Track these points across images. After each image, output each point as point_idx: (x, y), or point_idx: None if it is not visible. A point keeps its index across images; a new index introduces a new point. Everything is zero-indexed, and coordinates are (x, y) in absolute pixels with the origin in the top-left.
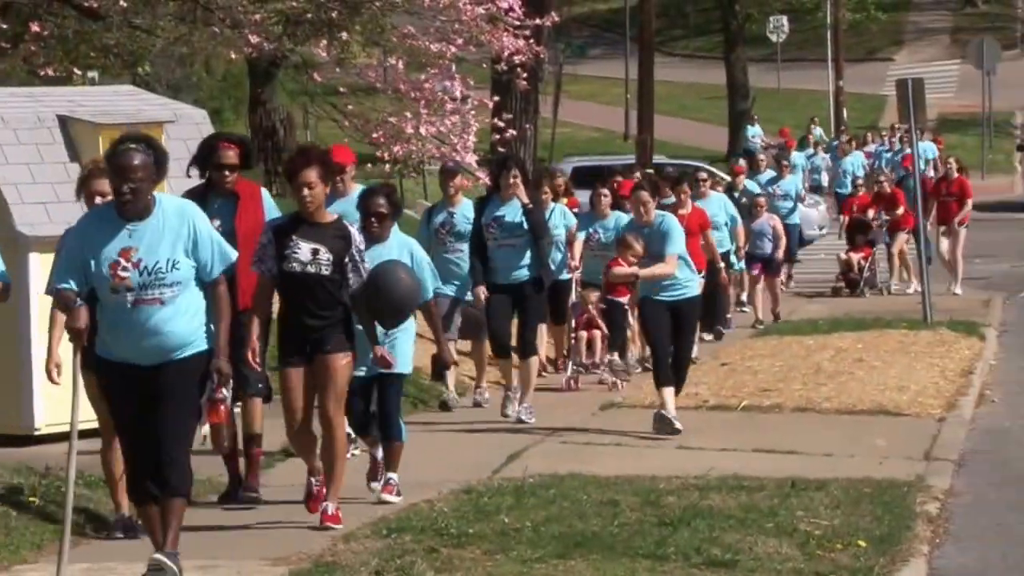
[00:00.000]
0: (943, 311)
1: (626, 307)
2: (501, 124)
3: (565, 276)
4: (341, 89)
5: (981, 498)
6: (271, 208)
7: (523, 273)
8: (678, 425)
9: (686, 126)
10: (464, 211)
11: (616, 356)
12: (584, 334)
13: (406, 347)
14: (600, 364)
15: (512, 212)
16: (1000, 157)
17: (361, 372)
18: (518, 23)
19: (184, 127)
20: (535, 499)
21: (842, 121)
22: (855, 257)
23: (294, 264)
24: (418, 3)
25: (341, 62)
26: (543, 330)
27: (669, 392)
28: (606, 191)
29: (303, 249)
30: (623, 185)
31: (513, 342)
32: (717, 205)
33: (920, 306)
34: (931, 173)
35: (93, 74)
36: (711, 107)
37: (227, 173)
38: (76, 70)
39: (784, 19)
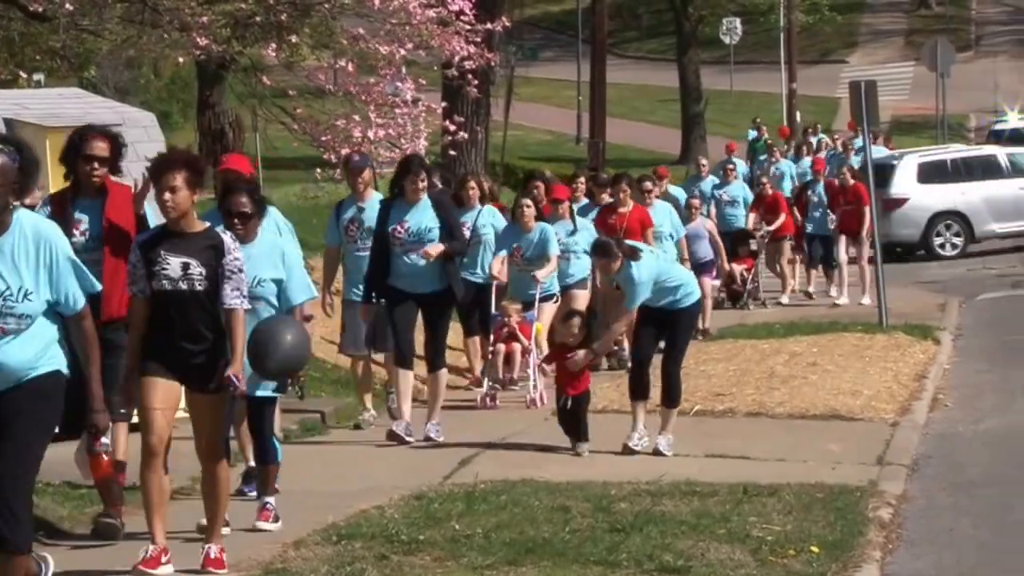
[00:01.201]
0: (898, 315)
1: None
2: (452, 128)
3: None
4: (290, 92)
5: (934, 503)
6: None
7: (430, 282)
8: (634, 446)
9: (639, 129)
10: (374, 206)
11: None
12: (502, 347)
13: None
14: (519, 379)
15: (420, 217)
16: None
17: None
18: (469, 27)
19: (132, 131)
20: (486, 505)
21: (794, 124)
22: (737, 268)
23: (164, 281)
24: (368, 5)
25: (290, 65)
26: (477, 342)
27: (641, 408)
28: (529, 202)
29: (172, 264)
30: (556, 189)
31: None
32: (662, 215)
33: (876, 310)
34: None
35: (39, 77)
36: (664, 109)
37: (96, 166)
38: (22, 73)
39: (737, 21)
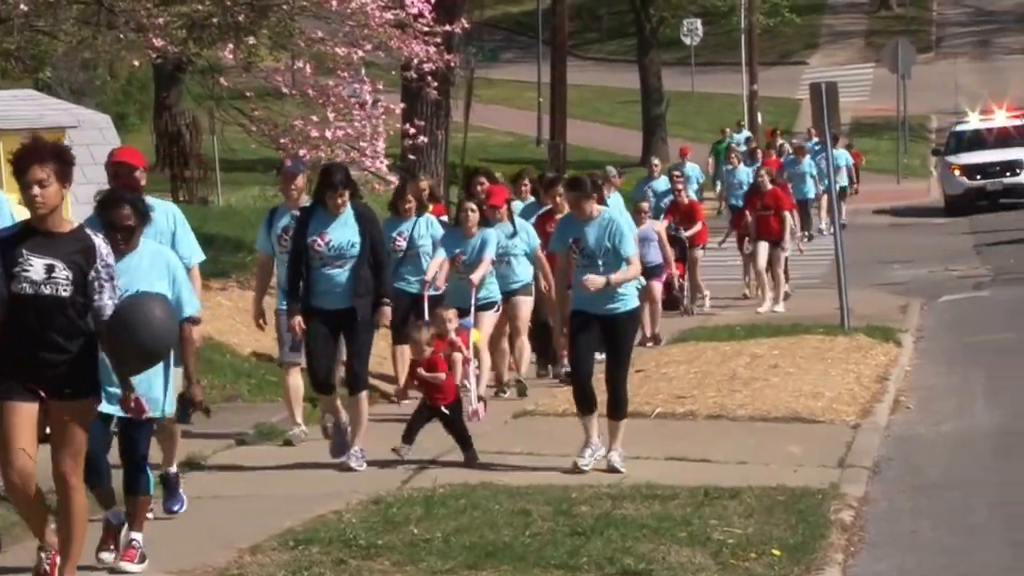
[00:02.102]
0: (860, 317)
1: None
2: (412, 131)
3: (432, 292)
4: (248, 93)
5: (896, 505)
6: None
7: (350, 298)
8: (584, 467)
9: (600, 130)
10: None
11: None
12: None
13: (158, 385)
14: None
15: (342, 231)
16: (915, 161)
17: (104, 409)
18: (428, 28)
19: (88, 132)
20: (445, 509)
21: (756, 126)
22: (675, 274)
23: (24, 284)
24: (326, 7)
25: (248, 66)
26: (406, 351)
27: (593, 423)
28: (473, 206)
29: (35, 265)
30: (493, 193)
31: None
32: (612, 214)
33: (838, 312)
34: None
35: None
36: (624, 111)
37: None
38: None
39: (698, 22)
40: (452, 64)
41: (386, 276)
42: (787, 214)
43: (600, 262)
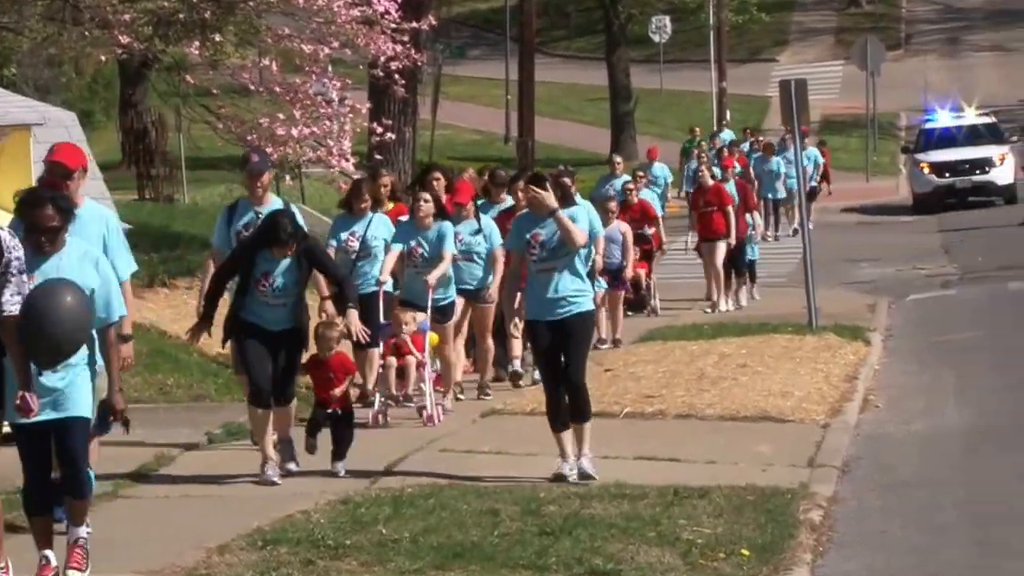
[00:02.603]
0: (829, 316)
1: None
2: (379, 129)
3: (388, 288)
4: (214, 91)
5: (865, 505)
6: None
7: (285, 321)
8: (571, 476)
9: (568, 128)
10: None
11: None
12: (394, 361)
13: (85, 385)
14: (413, 395)
15: (287, 274)
16: (884, 159)
17: (29, 419)
18: (395, 25)
19: (52, 130)
20: (414, 509)
21: (724, 123)
22: (641, 273)
23: None
24: (293, 4)
25: (214, 63)
26: (374, 355)
27: (567, 439)
28: (428, 196)
29: None
30: (459, 190)
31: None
32: (579, 215)
33: (805, 311)
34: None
35: None
36: (593, 109)
37: None
38: None
39: (666, 19)
40: (419, 61)
41: (350, 286)
42: (731, 209)
43: (558, 258)
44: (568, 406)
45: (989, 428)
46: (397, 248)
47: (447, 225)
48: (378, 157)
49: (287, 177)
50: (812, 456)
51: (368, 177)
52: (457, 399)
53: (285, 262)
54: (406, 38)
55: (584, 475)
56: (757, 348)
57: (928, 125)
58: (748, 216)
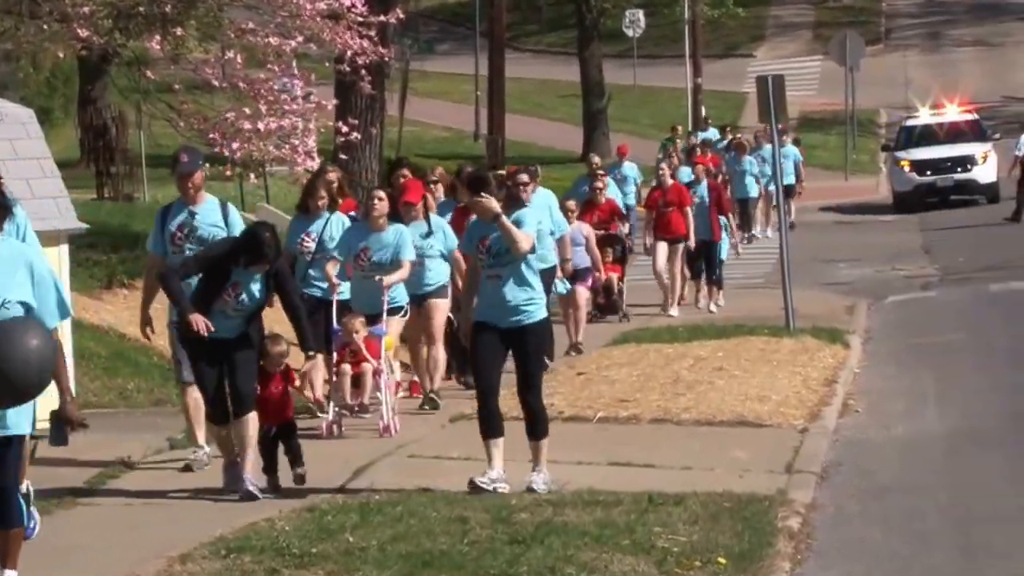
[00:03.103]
0: (806, 318)
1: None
2: (345, 129)
3: (343, 296)
4: (176, 86)
5: (844, 512)
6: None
7: (236, 328)
8: (482, 483)
9: (539, 125)
10: (208, 211)
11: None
12: (348, 369)
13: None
14: (369, 405)
15: (255, 286)
16: (864, 157)
17: None
18: (361, 19)
19: (10, 127)
20: (381, 517)
21: (700, 120)
22: (613, 277)
23: None
24: None
25: (176, 58)
26: (322, 362)
27: (497, 447)
28: (382, 194)
29: None
30: (407, 188)
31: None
32: (539, 210)
33: (782, 312)
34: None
35: None
36: (565, 105)
37: None
38: None
39: (640, 13)
40: (387, 57)
41: (307, 326)
42: (689, 210)
43: (504, 264)
44: (525, 422)
45: (971, 431)
46: (337, 259)
47: (405, 231)
48: (343, 156)
49: (251, 176)
50: (790, 462)
51: (318, 173)
52: (424, 409)
53: (257, 278)
54: (373, 32)
55: (530, 489)
56: (733, 351)
57: (909, 122)
58: (722, 219)
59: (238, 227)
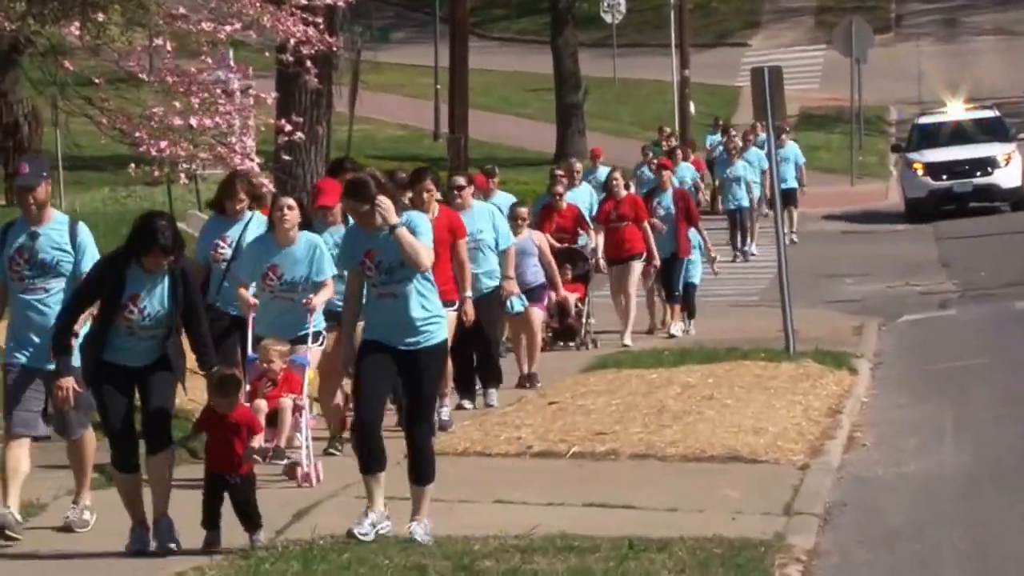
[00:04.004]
0: (808, 340)
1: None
2: (288, 127)
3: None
4: (97, 80)
5: (850, 559)
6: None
7: (150, 354)
8: (362, 535)
9: (507, 122)
10: (55, 232)
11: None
12: (264, 404)
13: None
14: (287, 449)
15: (156, 294)
16: (871, 159)
17: None
18: (306, 3)
19: None
20: (326, 565)
21: (687, 117)
22: (571, 297)
23: None
24: None
25: (97, 48)
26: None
27: (379, 484)
28: (291, 202)
29: None
30: (322, 190)
31: None
32: (481, 219)
33: (781, 334)
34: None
35: None
36: (536, 100)
37: None
38: None
39: None
40: (335, 46)
41: (204, 334)
42: (647, 224)
43: (395, 278)
44: (408, 462)
45: (993, 468)
46: (240, 278)
47: (318, 241)
48: (286, 158)
49: (181, 178)
50: (789, 502)
51: (240, 172)
52: (330, 453)
53: (159, 282)
54: (319, 19)
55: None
56: (725, 377)
57: (922, 120)
58: (692, 232)
59: (89, 252)
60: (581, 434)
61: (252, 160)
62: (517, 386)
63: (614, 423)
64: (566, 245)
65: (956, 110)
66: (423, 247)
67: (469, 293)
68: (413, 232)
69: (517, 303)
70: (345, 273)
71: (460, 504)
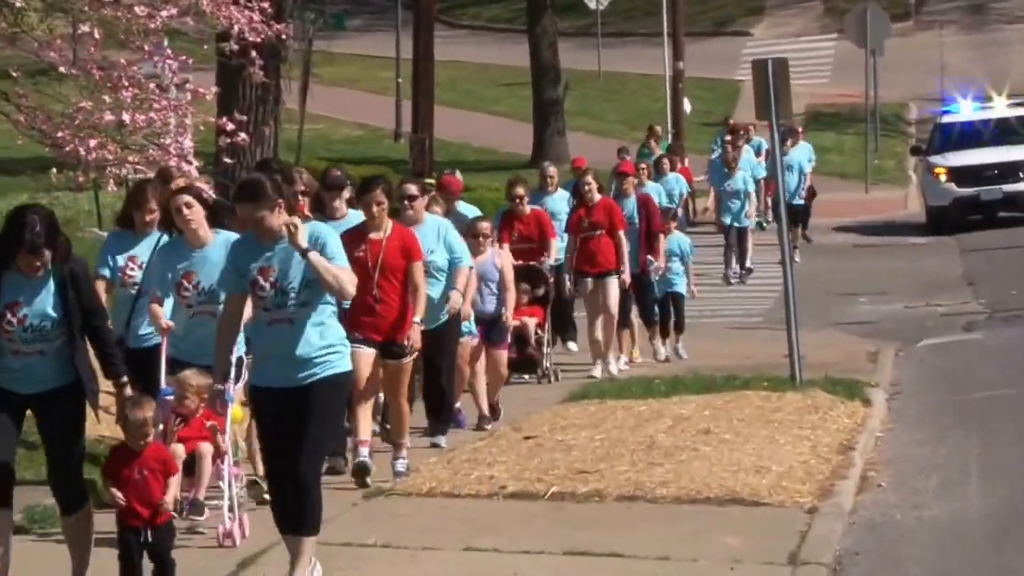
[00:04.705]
0: (817, 367)
1: None
2: (231, 126)
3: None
4: (13, 72)
5: None
6: None
7: (51, 379)
8: None
9: (478, 121)
10: None
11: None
12: (181, 450)
13: None
14: (200, 502)
15: (40, 300)
16: (889, 163)
17: None
18: None
19: None
20: None
21: (680, 116)
22: (530, 323)
23: None
24: None
25: (13, 37)
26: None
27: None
28: (188, 198)
29: None
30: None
31: None
32: (430, 238)
33: (786, 360)
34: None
35: None
36: (510, 96)
37: None
38: None
39: None
40: (284, 34)
41: (114, 353)
42: (622, 234)
43: (294, 301)
44: (289, 510)
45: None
46: (154, 292)
47: (235, 237)
48: (228, 160)
49: (111, 184)
50: (794, 551)
51: (157, 178)
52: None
53: (42, 287)
54: (266, 3)
55: None
56: (724, 409)
57: (946, 119)
58: (677, 238)
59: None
60: (561, 473)
61: (190, 163)
62: (476, 427)
63: (598, 461)
64: (522, 263)
65: (1000, 105)
66: (343, 273)
67: (419, 318)
68: (322, 251)
69: (465, 327)
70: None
71: (424, 552)
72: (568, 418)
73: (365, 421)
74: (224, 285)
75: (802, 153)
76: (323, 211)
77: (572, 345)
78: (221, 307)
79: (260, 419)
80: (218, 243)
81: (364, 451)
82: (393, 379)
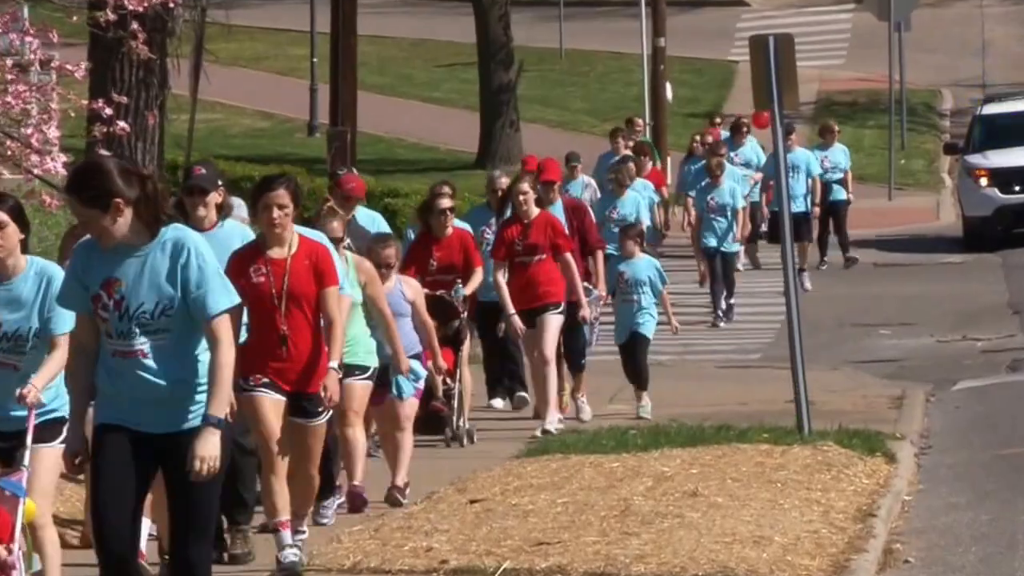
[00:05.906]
0: (829, 414)
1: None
2: (108, 111)
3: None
4: None
5: None
6: None
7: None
8: None
9: (412, 111)
10: None
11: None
12: None
13: None
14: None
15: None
16: (917, 164)
17: None
18: None
19: None
20: None
21: (661, 105)
22: (438, 369)
23: None
24: None
25: None
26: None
27: None
28: (2, 216)
29: None
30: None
31: None
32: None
33: (791, 406)
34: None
35: None
36: (451, 80)
37: None
38: None
39: None
40: (171, 3)
41: None
42: (568, 257)
43: (155, 329)
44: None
45: None
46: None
47: (54, 269)
48: (104, 153)
49: None
50: None
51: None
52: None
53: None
54: None
55: None
56: (715, 466)
57: (988, 110)
58: (642, 263)
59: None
60: (515, 544)
61: (56, 159)
62: (386, 499)
63: (560, 529)
64: (428, 292)
65: None
66: (228, 290)
67: (335, 363)
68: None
69: (407, 385)
70: None
71: None
72: (524, 477)
73: (283, 494)
74: (69, 302)
75: (803, 154)
76: (186, 217)
77: (497, 402)
78: (25, 359)
79: (99, 472)
80: (29, 275)
81: (287, 536)
82: (302, 445)
